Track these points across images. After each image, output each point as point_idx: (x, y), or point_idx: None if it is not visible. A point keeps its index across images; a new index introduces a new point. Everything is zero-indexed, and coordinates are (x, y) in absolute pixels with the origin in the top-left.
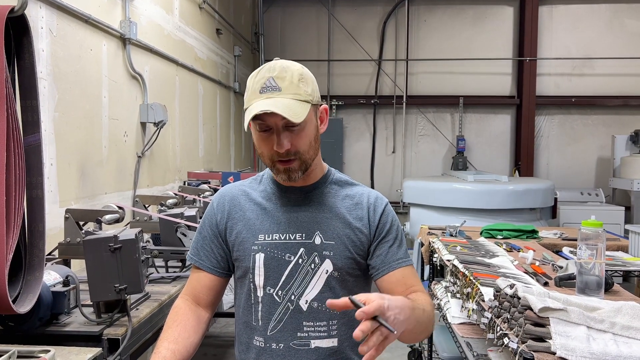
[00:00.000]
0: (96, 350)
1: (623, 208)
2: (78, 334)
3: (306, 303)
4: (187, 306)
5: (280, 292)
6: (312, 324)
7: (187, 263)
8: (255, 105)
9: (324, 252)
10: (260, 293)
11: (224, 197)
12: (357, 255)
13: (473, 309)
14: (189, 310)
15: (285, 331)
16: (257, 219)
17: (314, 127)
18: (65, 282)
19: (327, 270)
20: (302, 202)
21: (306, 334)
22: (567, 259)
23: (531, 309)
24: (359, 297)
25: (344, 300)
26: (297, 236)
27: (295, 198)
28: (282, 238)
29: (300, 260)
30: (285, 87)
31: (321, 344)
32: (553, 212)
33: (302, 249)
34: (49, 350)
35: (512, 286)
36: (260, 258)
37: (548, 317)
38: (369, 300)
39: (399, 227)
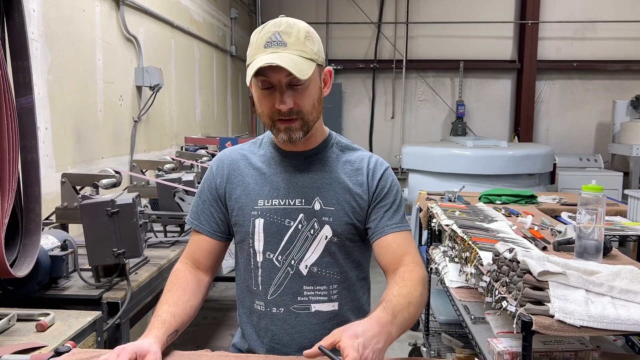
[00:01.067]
0: (96, 314)
1: (621, 174)
2: (77, 297)
3: (306, 268)
4: (187, 270)
5: (280, 257)
6: (312, 288)
7: (187, 227)
8: (259, 59)
9: (323, 218)
10: (259, 258)
11: (223, 161)
12: (357, 221)
13: (471, 273)
14: (188, 273)
15: (286, 295)
16: (257, 184)
17: (317, 88)
18: (63, 247)
19: (327, 236)
20: (302, 167)
21: (306, 298)
22: (565, 223)
23: (530, 273)
24: (328, 341)
25: (315, 350)
26: (297, 201)
27: (295, 163)
28: (282, 203)
29: (299, 226)
30: (291, 43)
31: (321, 307)
32: (552, 177)
33: (301, 215)
34: (48, 314)
35: (511, 250)
36: (259, 223)
37: (547, 281)
38: (342, 345)
39: (398, 192)
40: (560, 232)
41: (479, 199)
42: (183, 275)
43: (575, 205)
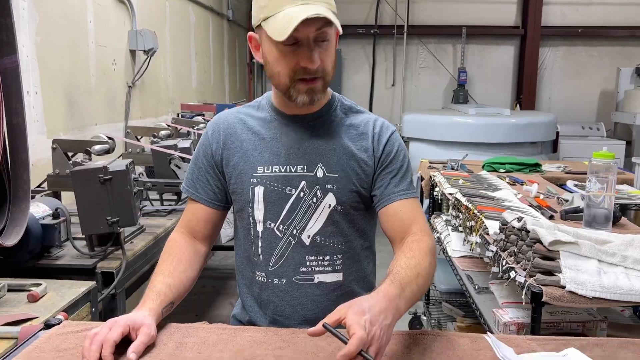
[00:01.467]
0: (90, 284)
1: (624, 142)
2: (71, 267)
3: (309, 237)
4: (183, 239)
5: (281, 226)
6: (315, 258)
7: (183, 196)
8: (293, 10)
9: (326, 186)
10: (260, 228)
11: (219, 125)
12: (362, 189)
13: (476, 243)
14: (185, 243)
15: (288, 266)
16: (256, 149)
17: (334, 46)
18: (55, 215)
19: (330, 205)
20: (304, 131)
21: (309, 269)
22: (571, 192)
23: (540, 242)
24: (332, 317)
25: (319, 328)
26: (299, 168)
27: (297, 127)
28: (283, 170)
29: (301, 194)
30: None
31: (325, 278)
32: (554, 146)
33: (303, 182)
34: (40, 284)
35: (519, 219)
36: (259, 191)
37: (558, 251)
38: (348, 323)
39: (405, 158)
40: (567, 200)
41: (482, 167)
42: (179, 245)
43: (580, 173)
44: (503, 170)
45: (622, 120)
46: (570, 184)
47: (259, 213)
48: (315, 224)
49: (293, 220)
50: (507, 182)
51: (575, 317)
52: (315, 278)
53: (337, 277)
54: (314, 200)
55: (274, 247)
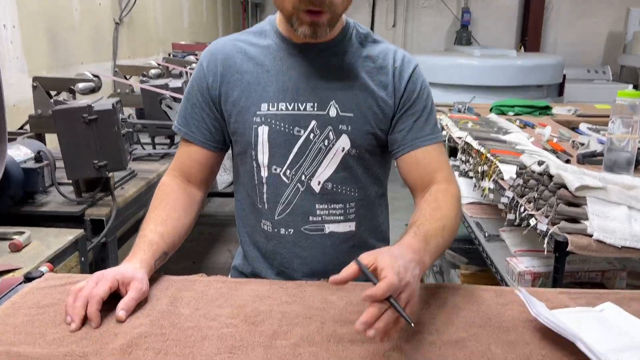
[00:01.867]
0: (78, 232)
1: (631, 85)
2: (57, 214)
3: (319, 184)
4: (176, 184)
5: (288, 171)
6: (326, 206)
7: (177, 139)
8: None
9: (340, 127)
10: (264, 173)
11: (215, 55)
12: (379, 131)
13: (489, 189)
14: (178, 188)
15: (296, 215)
16: (259, 84)
17: None
18: (38, 158)
19: (344, 148)
20: (314, 63)
21: (319, 218)
22: (585, 135)
23: (565, 188)
24: (366, 258)
25: (348, 274)
26: (309, 106)
27: (306, 57)
28: (290, 108)
29: (311, 136)
30: None
31: (337, 228)
32: (560, 89)
33: (313, 122)
34: (23, 232)
35: (540, 163)
36: (263, 132)
37: (584, 197)
38: (380, 266)
39: (429, 96)
40: (582, 144)
41: (490, 110)
42: (172, 190)
43: (592, 116)
44: (512, 113)
45: (630, 63)
46: (583, 126)
47: (263, 156)
48: (326, 170)
49: (301, 165)
50: (518, 126)
51: (594, 267)
52: (325, 228)
53: (349, 227)
54: (326, 142)
55: (280, 195)
